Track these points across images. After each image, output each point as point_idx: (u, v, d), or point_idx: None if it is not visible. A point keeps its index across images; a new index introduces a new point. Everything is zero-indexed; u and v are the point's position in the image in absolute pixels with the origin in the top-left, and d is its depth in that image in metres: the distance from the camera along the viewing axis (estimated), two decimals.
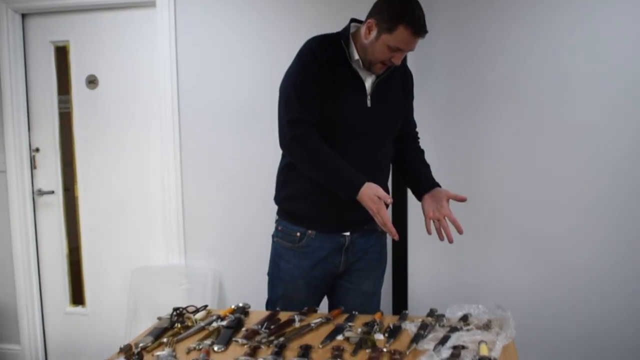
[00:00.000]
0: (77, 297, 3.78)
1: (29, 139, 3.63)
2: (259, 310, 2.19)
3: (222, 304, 3.38)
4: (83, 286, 3.74)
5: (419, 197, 2.32)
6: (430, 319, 2.02)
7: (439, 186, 2.30)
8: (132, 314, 3.46)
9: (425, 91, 3.04)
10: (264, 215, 3.18)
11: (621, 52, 2.93)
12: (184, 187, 3.42)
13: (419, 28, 2.02)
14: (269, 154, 3.20)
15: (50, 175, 3.67)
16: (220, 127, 3.34)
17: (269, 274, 2.40)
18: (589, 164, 3.01)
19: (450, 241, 2.17)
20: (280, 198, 2.34)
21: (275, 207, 2.38)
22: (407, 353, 1.74)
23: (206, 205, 3.43)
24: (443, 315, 2.05)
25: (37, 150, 3.65)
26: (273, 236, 2.37)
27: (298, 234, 2.25)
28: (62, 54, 3.59)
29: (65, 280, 3.75)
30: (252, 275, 3.31)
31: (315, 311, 2.18)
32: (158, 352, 1.72)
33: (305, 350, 1.74)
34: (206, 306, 2.18)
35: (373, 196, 2.04)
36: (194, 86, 3.35)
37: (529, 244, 3.12)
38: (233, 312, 2.12)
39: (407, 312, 2.15)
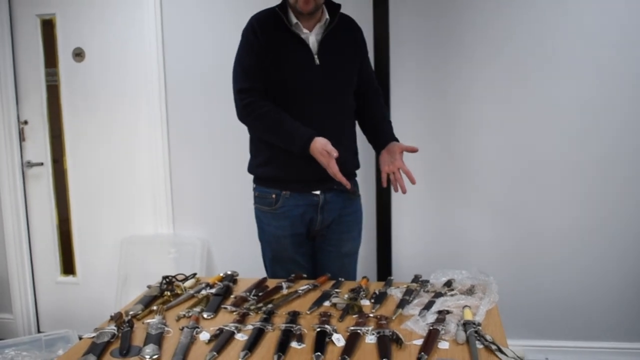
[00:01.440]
0: (68, 266, 3.80)
1: (17, 112, 3.61)
2: (247, 278, 2.22)
3: (211, 272, 3.41)
4: (73, 256, 3.76)
5: (377, 152, 2.41)
6: (415, 284, 2.06)
7: (396, 140, 2.37)
8: (122, 283, 3.49)
9: (405, 59, 3.07)
10: (251, 184, 3.22)
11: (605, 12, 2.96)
12: (171, 157, 3.44)
13: None
14: None
15: (39, 147, 3.66)
16: (207, 97, 3.33)
17: (259, 239, 2.48)
18: (567, 131, 3.06)
19: (404, 192, 2.24)
20: (253, 166, 2.43)
21: None
22: (393, 318, 1.78)
23: (194, 174, 3.45)
24: (427, 281, 2.10)
25: (26, 122, 3.64)
26: (253, 204, 2.45)
27: (273, 195, 2.34)
28: (48, 27, 3.56)
29: (55, 251, 3.77)
30: (240, 243, 3.36)
31: (303, 278, 2.22)
32: (148, 320, 1.75)
33: (293, 317, 1.78)
34: (195, 274, 2.22)
35: (322, 150, 2.14)
36: (180, 57, 3.34)
37: (508, 211, 3.17)
38: (221, 279, 2.16)
39: (392, 278, 2.19)
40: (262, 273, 2.38)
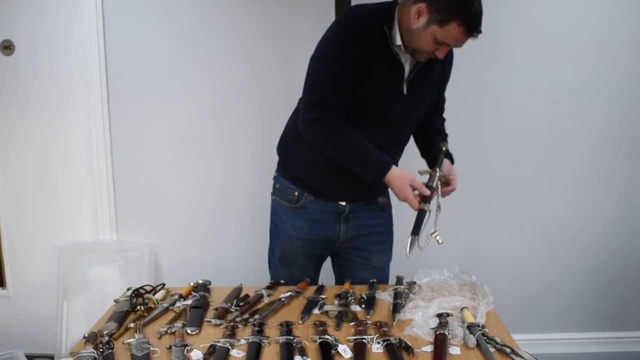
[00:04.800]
0: None
1: None
2: (219, 286, 2.08)
3: (159, 280, 3.19)
4: (3, 266, 3.45)
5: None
6: (402, 287, 1.98)
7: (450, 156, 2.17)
8: (61, 295, 3.23)
9: None
10: (200, 184, 3.08)
11: None
12: (114, 157, 3.18)
13: (473, 27, 1.77)
14: (204, 119, 3.06)
15: None
16: (153, 92, 3.09)
17: (269, 233, 2.28)
18: (535, 130, 3.06)
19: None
20: (281, 150, 2.21)
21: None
22: (394, 324, 1.70)
23: (138, 176, 3.20)
24: (414, 283, 2.02)
25: None
26: (271, 194, 2.23)
27: (296, 193, 2.11)
28: None
29: None
30: (190, 248, 3.22)
31: (280, 284, 2.10)
32: (128, 340, 1.58)
33: (287, 327, 1.66)
34: (164, 285, 2.05)
35: (407, 190, 1.92)
36: (124, 49, 3.08)
37: (464, 203, 3.07)
38: (194, 289, 2.01)
39: (374, 280, 2.10)
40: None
